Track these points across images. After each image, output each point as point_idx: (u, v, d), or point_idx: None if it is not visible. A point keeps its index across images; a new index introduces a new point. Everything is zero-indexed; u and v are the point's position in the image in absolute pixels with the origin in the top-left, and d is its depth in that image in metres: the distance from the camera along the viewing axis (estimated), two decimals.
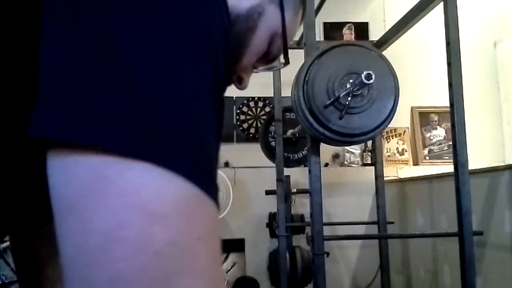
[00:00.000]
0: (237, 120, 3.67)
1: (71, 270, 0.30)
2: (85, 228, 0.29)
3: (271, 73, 2.76)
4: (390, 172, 3.54)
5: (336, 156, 3.75)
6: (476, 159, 2.78)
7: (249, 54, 0.57)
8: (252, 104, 3.70)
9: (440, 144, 3.83)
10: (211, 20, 0.36)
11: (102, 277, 0.28)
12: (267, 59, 0.61)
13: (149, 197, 0.29)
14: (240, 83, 0.62)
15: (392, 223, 2.79)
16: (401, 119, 3.78)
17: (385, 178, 2.85)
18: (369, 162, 3.62)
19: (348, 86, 1.50)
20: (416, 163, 3.78)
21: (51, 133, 0.30)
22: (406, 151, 3.81)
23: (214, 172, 0.34)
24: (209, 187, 0.33)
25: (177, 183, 0.31)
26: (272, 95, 2.78)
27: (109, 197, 0.29)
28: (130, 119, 0.30)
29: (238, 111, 3.67)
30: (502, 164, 3.22)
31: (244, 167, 3.48)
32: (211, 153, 0.34)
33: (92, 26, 0.32)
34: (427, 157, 3.80)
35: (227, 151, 3.60)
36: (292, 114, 2.79)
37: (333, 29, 3.81)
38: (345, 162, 3.73)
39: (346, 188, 3.56)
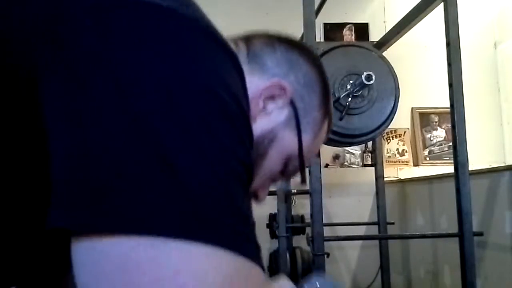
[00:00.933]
0: None
1: None
2: None
3: None
4: (390, 173, 3.53)
5: (336, 157, 3.75)
6: (476, 160, 2.78)
7: (260, 178, 0.54)
8: None
9: (441, 145, 3.82)
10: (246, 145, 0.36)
11: None
12: (284, 175, 0.58)
13: (188, 280, 0.27)
14: (256, 198, 0.59)
15: (392, 223, 2.79)
16: (401, 120, 3.78)
17: (385, 179, 2.85)
18: (369, 163, 3.62)
19: (348, 87, 1.50)
20: (416, 164, 3.78)
21: (76, 224, 0.28)
22: (406, 151, 3.81)
23: (255, 237, 0.33)
24: (255, 253, 0.32)
25: (220, 257, 0.29)
26: None
27: (144, 287, 0.27)
28: (165, 199, 0.28)
29: None
30: (502, 164, 3.22)
31: None
32: (250, 218, 0.33)
33: (116, 109, 0.30)
34: (428, 158, 3.80)
35: None
36: None
37: (333, 30, 3.81)
38: (345, 163, 3.73)
39: (346, 189, 3.56)
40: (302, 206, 3.26)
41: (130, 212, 0.28)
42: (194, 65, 0.34)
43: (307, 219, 2.61)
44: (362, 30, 3.85)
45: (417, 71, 3.85)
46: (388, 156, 3.77)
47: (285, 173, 0.57)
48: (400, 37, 2.24)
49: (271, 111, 0.52)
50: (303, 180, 0.60)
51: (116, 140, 0.29)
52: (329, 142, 1.61)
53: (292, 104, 0.53)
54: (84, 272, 0.29)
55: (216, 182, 0.31)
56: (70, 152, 0.30)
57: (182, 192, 0.29)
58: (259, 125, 0.51)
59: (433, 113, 3.85)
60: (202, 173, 0.30)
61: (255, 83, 0.51)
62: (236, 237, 0.31)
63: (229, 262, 0.30)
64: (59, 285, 0.46)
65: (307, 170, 1.71)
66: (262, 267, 0.33)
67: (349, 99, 1.48)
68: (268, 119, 0.52)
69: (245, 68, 0.50)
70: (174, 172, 0.29)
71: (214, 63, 0.36)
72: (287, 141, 0.54)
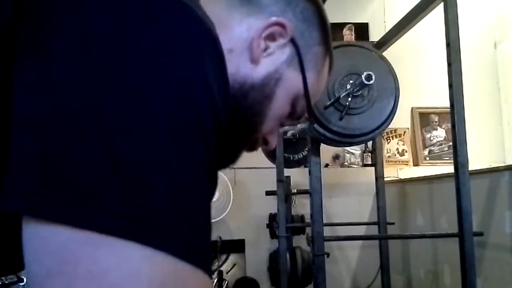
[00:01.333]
0: None
1: None
2: None
3: None
4: (391, 173, 3.53)
5: (336, 157, 3.75)
6: (476, 160, 2.78)
7: (269, 121, 0.54)
8: None
9: (441, 144, 3.82)
10: (203, 100, 0.34)
11: None
12: (293, 117, 0.57)
13: (120, 279, 0.28)
14: (267, 145, 0.58)
15: (393, 223, 2.79)
16: (401, 120, 3.78)
17: (385, 179, 2.84)
18: (369, 162, 3.62)
19: (348, 86, 1.50)
20: (416, 164, 3.78)
21: (23, 208, 0.29)
22: (406, 151, 3.81)
23: (205, 242, 0.33)
24: (199, 259, 0.32)
25: (158, 261, 0.29)
26: None
27: (76, 279, 0.28)
28: (110, 197, 0.29)
29: None
30: (502, 164, 3.22)
31: (244, 168, 3.48)
32: (201, 224, 0.33)
33: (75, 97, 0.30)
34: (427, 158, 3.80)
35: None
36: None
37: (333, 30, 3.77)
38: (345, 163, 3.73)
39: (346, 189, 3.56)
40: (302, 206, 3.26)
41: (73, 204, 0.29)
42: (177, 64, 0.33)
43: (307, 219, 2.62)
44: (362, 30, 3.84)
45: (417, 71, 3.85)
46: (388, 156, 3.77)
47: (293, 115, 0.56)
48: (400, 37, 2.24)
49: (273, 51, 0.51)
50: (310, 120, 0.61)
51: (71, 136, 0.30)
52: (329, 142, 1.61)
53: (293, 41, 0.52)
54: (27, 255, 0.30)
55: (170, 188, 0.31)
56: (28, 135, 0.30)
57: (129, 193, 0.29)
58: (263, 67, 0.50)
59: (433, 113, 3.85)
60: (155, 178, 0.30)
61: (253, 24, 0.50)
62: (181, 244, 0.31)
63: (167, 266, 0.30)
64: None
65: (307, 169, 1.71)
66: (210, 275, 0.33)
67: (349, 99, 1.48)
68: (271, 59, 0.51)
69: (240, 11, 0.51)
70: (124, 172, 0.30)
71: (198, 60, 0.35)
72: (292, 80, 0.53)
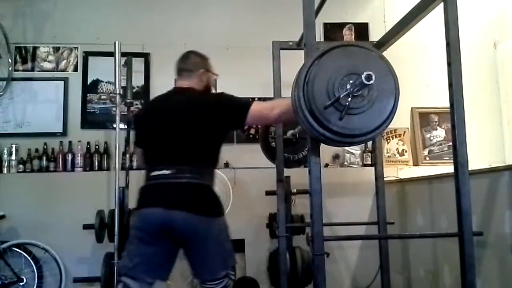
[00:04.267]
0: None
1: None
2: None
3: (271, 74, 2.77)
4: (390, 173, 3.54)
5: (336, 157, 3.75)
6: (476, 160, 2.78)
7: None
8: None
9: (440, 144, 3.83)
10: None
11: None
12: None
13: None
14: None
15: (392, 223, 2.79)
16: (401, 120, 3.78)
17: (385, 179, 2.85)
18: (369, 162, 3.62)
19: (348, 86, 1.50)
20: (416, 164, 3.79)
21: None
22: (406, 151, 3.81)
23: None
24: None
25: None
26: (272, 95, 2.78)
27: None
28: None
29: None
30: (502, 164, 3.22)
31: (244, 168, 3.48)
32: None
33: None
34: (427, 158, 3.80)
35: (227, 152, 3.59)
36: None
37: (333, 30, 3.81)
38: (345, 163, 3.73)
39: (346, 189, 3.56)
40: (302, 206, 3.26)
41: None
42: None
43: (307, 219, 2.61)
44: (362, 30, 3.85)
45: (417, 71, 3.86)
46: (388, 156, 3.78)
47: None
48: (400, 37, 2.25)
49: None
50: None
51: None
52: (329, 142, 1.61)
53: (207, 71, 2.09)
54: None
55: None
56: None
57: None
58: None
59: (433, 113, 3.85)
60: None
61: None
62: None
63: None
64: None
65: (307, 169, 1.71)
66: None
67: (349, 99, 1.48)
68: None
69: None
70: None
71: None
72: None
